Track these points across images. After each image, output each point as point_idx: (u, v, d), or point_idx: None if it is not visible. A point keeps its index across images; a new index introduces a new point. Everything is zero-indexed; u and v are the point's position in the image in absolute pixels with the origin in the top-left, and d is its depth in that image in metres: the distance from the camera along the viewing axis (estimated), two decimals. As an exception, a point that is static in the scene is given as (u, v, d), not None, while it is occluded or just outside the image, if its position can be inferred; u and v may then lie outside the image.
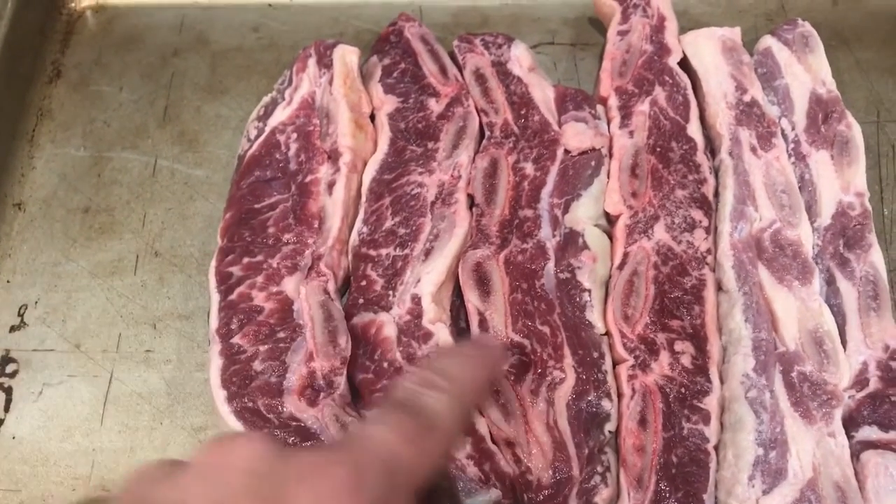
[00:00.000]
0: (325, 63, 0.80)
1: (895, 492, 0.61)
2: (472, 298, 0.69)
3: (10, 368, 0.74)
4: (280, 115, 0.78)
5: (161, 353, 0.73)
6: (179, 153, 0.84)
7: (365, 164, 0.77)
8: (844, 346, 0.68)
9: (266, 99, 0.82)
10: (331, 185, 0.74)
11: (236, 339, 0.66)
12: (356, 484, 0.44)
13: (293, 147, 0.76)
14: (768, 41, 0.83)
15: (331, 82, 0.78)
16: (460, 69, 0.82)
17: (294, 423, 0.63)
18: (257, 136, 0.78)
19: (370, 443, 0.47)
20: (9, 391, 0.73)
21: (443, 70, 0.81)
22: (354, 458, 0.46)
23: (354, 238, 0.72)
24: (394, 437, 0.48)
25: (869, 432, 0.65)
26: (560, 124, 0.78)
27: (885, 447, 0.64)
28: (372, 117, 0.80)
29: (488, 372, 0.59)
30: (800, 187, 0.75)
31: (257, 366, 0.65)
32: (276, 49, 0.90)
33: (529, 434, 0.63)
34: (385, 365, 0.65)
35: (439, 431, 0.50)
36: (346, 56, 0.80)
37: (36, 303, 0.77)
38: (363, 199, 0.75)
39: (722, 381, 0.67)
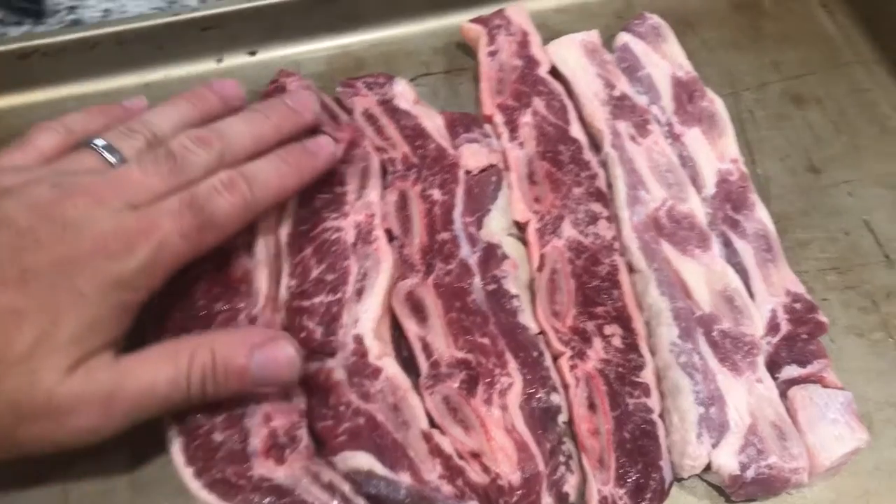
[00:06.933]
0: (216, 131, 0.81)
1: (823, 418, 0.68)
2: (410, 326, 0.72)
3: None
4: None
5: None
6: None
7: (277, 221, 0.78)
8: (752, 299, 0.74)
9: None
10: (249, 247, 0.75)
11: (191, 415, 0.67)
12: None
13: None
14: (624, 37, 0.90)
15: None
16: (349, 113, 0.85)
17: (266, 484, 0.63)
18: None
19: (154, 222, 0.61)
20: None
21: (333, 117, 0.84)
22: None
23: (284, 293, 0.74)
24: (174, 226, 0.61)
25: (790, 371, 0.71)
26: (455, 148, 0.82)
27: (806, 381, 0.70)
28: (273, 174, 0.82)
29: (307, 173, 0.73)
30: (681, 164, 0.82)
31: (217, 437, 0.66)
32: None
33: (492, 442, 0.67)
34: (342, 409, 0.67)
35: (218, 231, 0.64)
36: (237, 121, 0.81)
37: None
38: (284, 254, 0.76)
39: (653, 353, 0.72)
